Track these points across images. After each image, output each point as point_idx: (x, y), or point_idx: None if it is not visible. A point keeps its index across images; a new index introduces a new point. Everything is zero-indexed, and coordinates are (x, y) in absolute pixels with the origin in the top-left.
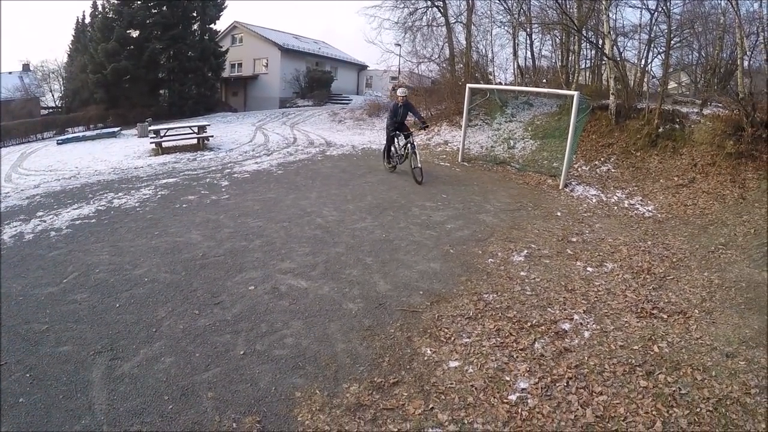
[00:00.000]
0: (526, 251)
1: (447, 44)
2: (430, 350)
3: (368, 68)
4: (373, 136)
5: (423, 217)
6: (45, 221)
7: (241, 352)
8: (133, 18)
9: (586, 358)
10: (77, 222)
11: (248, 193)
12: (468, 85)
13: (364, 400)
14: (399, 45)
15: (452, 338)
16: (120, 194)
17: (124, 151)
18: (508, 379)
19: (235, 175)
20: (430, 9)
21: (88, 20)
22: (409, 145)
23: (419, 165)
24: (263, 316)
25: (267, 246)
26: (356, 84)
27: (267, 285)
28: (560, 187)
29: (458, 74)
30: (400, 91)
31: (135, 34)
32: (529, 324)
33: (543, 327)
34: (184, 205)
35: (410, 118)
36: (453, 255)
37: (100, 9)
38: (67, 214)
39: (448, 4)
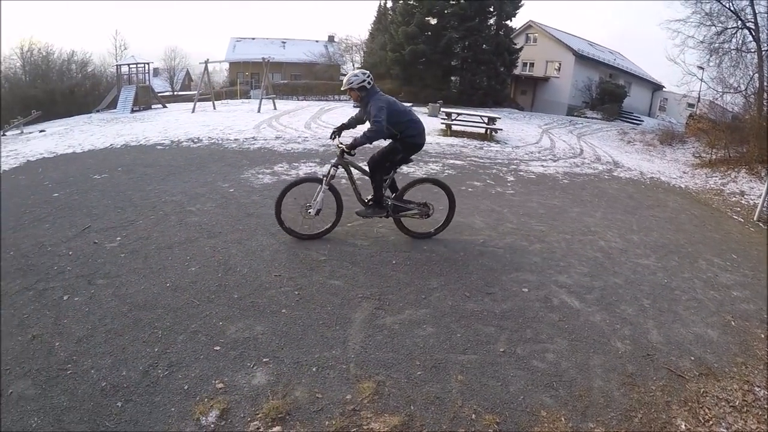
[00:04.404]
0: None
1: (757, 74)
2: (685, 426)
3: (664, 89)
4: (663, 166)
5: (709, 273)
6: (338, 168)
7: (501, 350)
8: (432, 6)
9: None
10: (366, 177)
11: (533, 195)
12: None
13: None
14: (702, 68)
15: (710, 422)
16: (408, 164)
17: None
18: None
19: (521, 173)
20: (740, 30)
21: (389, 4)
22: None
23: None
24: (530, 322)
25: (546, 253)
26: (649, 104)
27: (540, 292)
28: None
29: (766, 113)
30: (351, 74)
31: (433, 21)
32: None
33: None
34: (469, 189)
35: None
36: (733, 329)
37: None
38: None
39: (761, 27)
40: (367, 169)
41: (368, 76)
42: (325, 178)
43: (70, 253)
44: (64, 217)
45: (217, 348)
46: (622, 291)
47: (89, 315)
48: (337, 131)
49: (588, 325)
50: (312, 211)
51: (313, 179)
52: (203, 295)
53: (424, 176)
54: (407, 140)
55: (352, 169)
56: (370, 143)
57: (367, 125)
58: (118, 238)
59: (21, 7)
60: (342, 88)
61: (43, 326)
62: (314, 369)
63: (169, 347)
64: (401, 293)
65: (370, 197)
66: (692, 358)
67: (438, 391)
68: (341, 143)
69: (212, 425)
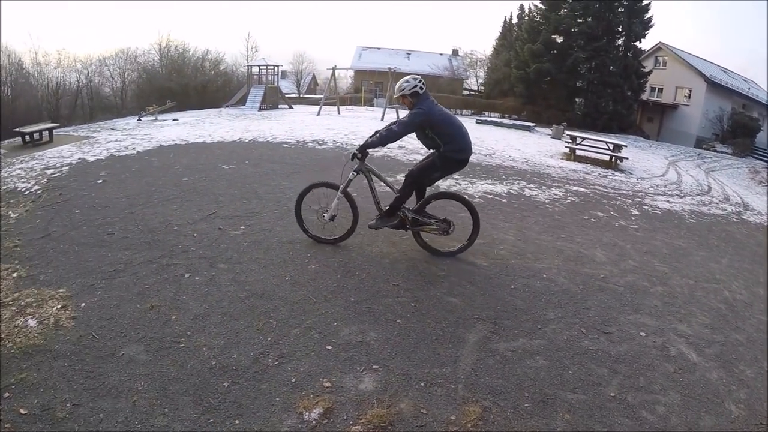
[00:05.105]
0: None
1: None
2: None
3: None
4: None
5: None
6: (460, 185)
7: (612, 394)
8: (559, 24)
9: None
10: (489, 196)
11: (657, 232)
12: None
13: None
14: None
15: None
16: (531, 186)
17: (537, 147)
18: None
19: (645, 207)
20: None
21: (515, 21)
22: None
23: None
24: (645, 369)
25: (667, 297)
26: None
27: (658, 339)
28: None
29: None
30: (403, 80)
31: (559, 39)
32: None
33: None
34: (592, 220)
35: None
36: None
37: (527, 12)
38: (481, 185)
39: None
40: (387, 178)
41: (420, 81)
42: (341, 186)
43: (195, 234)
44: (192, 201)
45: (329, 347)
46: (743, 349)
47: (207, 295)
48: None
49: (703, 381)
50: (327, 216)
51: (330, 184)
52: (320, 293)
53: (447, 191)
54: (449, 155)
55: (372, 176)
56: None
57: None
58: (242, 227)
59: (162, 7)
60: (394, 97)
61: (162, 298)
62: (422, 384)
63: (281, 338)
64: (517, 320)
65: (388, 205)
66: None
67: (542, 427)
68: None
69: (314, 422)
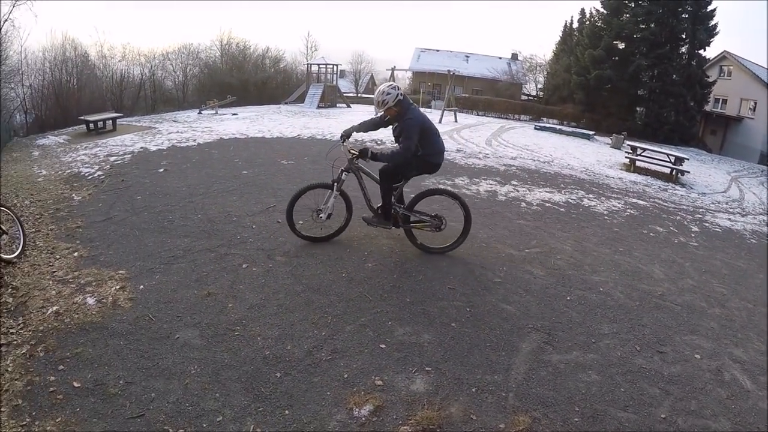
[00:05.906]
0: None
1: None
2: None
3: None
4: None
5: None
6: (518, 191)
7: (662, 416)
8: (621, 30)
9: None
10: (547, 204)
11: (717, 251)
12: None
13: None
14: None
15: None
16: (590, 196)
17: (596, 156)
18: None
19: (706, 224)
20: None
21: (575, 25)
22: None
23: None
24: (697, 393)
25: (725, 320)
26: None
27: (712, 363)
28: None
29: None
30: (380, 92)
31: (621, 45)
32: None
33: None
34: (651, 234)
35: None
36: None
37: (588, 16)
38: (539, 193)
39: None
40: (377, 177)
41: (397, 89)
42: (335, 184)
43: (254, 226)
44: (251, 194)
45: (383, 346)
46: None
47: (264, 286)
48: (347, 135)
49: (755, 410)
50: (323, 215)
51: (323, 185)
52: (376, 292)
53: (437, 187)
54: (426, 158)
55: (362, 175)
56: (391, 164)
57: (381, 132)
58: (300, 222)
59: (224, 6)
60: (378, 113)
61: (219, 286)
62: (474, 389)
63: (336, 334)
64: (571, 332)
65: (379, 206)
66: None
67: None
68: (352, 150)
69: (364, 419)
